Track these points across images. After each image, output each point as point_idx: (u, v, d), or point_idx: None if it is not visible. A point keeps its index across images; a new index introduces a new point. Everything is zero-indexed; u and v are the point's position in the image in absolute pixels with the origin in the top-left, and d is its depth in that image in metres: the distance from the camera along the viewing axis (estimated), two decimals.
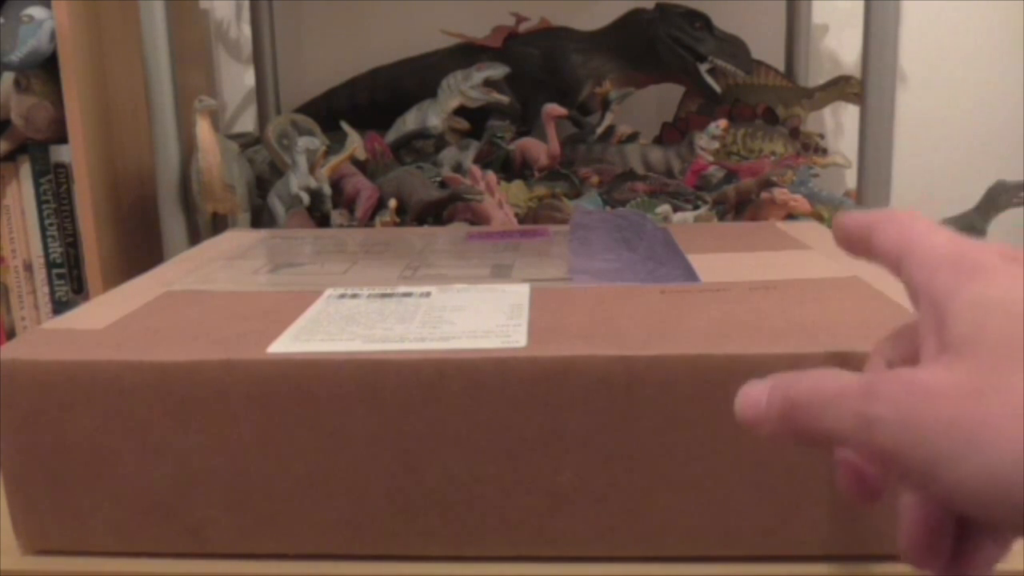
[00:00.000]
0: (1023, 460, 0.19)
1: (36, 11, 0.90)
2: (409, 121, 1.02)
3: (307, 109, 1.13)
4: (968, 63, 1.25)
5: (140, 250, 1.03)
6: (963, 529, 0.24)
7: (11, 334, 1.01)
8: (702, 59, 1.01)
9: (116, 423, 0.35)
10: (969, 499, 0.20)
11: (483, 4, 1.20)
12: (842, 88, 1.06)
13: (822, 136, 1.05)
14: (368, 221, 0.87)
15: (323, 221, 0.89)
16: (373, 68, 1.15)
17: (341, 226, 0.87)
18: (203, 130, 0.86)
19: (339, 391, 0.34)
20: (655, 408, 0.34)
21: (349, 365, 0.34)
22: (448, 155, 0.99)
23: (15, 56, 0.88)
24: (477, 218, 0.84)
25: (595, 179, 0.94)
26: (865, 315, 0.37)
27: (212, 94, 1.27)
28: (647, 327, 0.36)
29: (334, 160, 0.90)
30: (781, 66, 1.16)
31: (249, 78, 1.27)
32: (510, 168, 1.00)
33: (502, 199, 0.86)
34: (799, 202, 0.84)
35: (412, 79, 1.10)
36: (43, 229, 0.99)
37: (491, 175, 0.88)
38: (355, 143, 0.92)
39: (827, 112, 1.25)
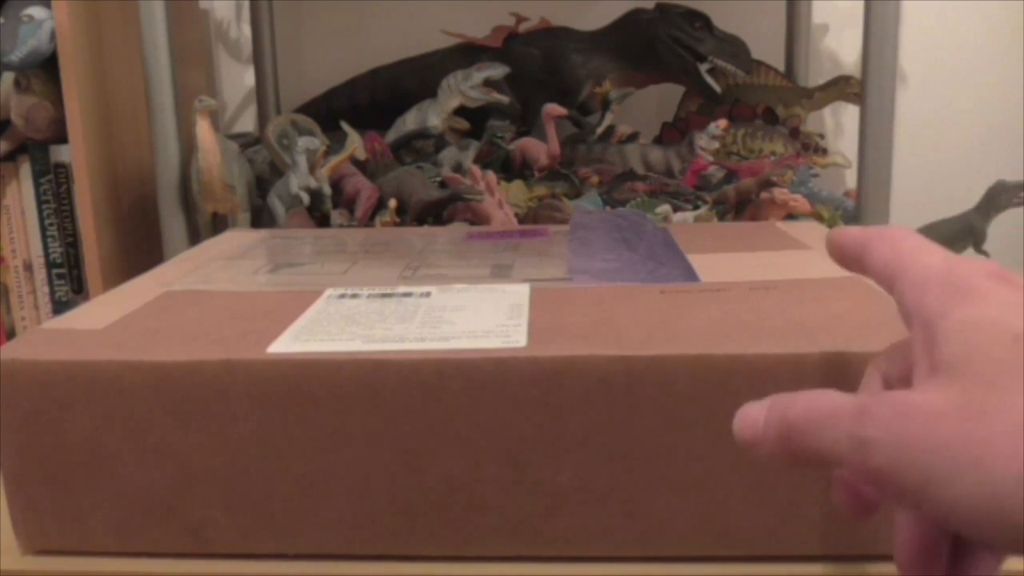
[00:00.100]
0: (1015, 479, 0.19)
1: (36, 11, 0.90)
2: (409, 121, 1.02)
3: (307, 109, 1.13)
4: (968, 63, 1.25)
5: (140, 250, 1.03)
6: (958, 548, 0.24)
7: (11, 334, 1.01)
8: (702, 59, 1.01)
9: (116, 423, 0.35)
10: (964, 519, 0.20)
11: (483, 4, 1.20)
12: (842, 88, 1.06)
13: (822, 136, 1.05)
14: (368, 221, 0.87)
15: (323, 221, 0.89)
16: (373, 68, 1.15)
17: (341, 226, 0.87)
18: (203, 130, 0.86)
19: (339, 391, 0.34)
20: (655, 408, 0.34)
21: (349, 365, 0.34)
22: (448, 155, 0.99)
23: (15, 56, 0.88)
24: (477, 218, 0.84)
25: (595, 179, 0.94)
26: (865, 315, 0.37)
27: (212, 94, 1.27)
28: (647, 327, 0.36)
29: (334, 160, 0.90)
30: (781, 66, 1.16)
31: (249, 78, 1.27)
32: (510, 168, 1.00)
33: (502, 199, 0.86)
34: (799, 202, 0.84)
35: (412, 79, 1.10)
36: (43, 229, 0.99)
37: (491, 175, 0.88)
38: (355, 143, 0.92)
39: (827, 112, 1.25)
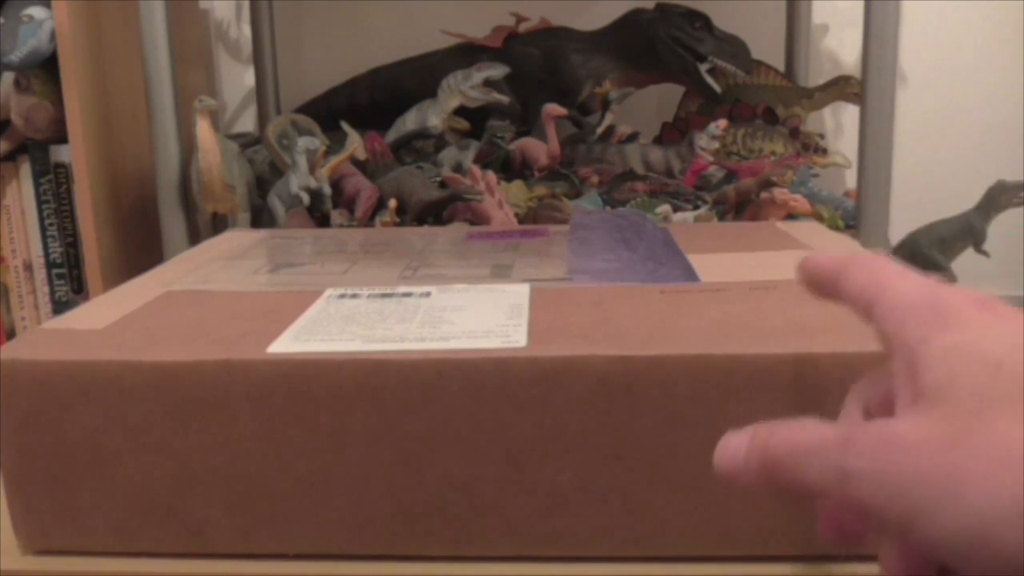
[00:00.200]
0: (1000, 508, 0.19)
1: (36, 11, 0.90)
2: (409, 121, 1.02)
3: (307, 109, 1.13)
4: (968, 63, 1.25)
5: (140, 250, 1.03)
6: None
7: (11, 334, 1.01)
8: (702, 59, 1.01)
9: (116, 423, 0.35)
10: (950, 550, 0.20)
11: (483, 4, 1.20)
12: (842, 88, 1.06)
13: (822, 136, 1.05)
14: (368, 221, 0.87)
15: (323, 221, 0.89)
16: (373, 68, 1.15)
17: (341, 226, 0.87)
18: (203, 130, 0.86)
19: (339, 391, 0.34)
20: (655, 408, 0.33)
21: (349, 365, 0.34)
22: (448, 155, 0.99)
23: (15, 56, 0.88)
24: (477, 218, 0.84)
25: (595, 179, 0.94)
26: None
27: (212, 94, 1.27)
28: (647, 327, 0.36)
29: (334, 160, 0.90)
30: (781, 66, 1.16)
31: (249, 78, 1.27)
32: (510, 168, 1.00)
33: (502, 199, 0.86)
34: (799, 202, 0.84)
35: (412, 79, 1.10)
36: (43, 229, 0.99)
37: (491, 175, 0.88)
38: (355, 143, 0.92)
39: (827, 112, 1.25)
